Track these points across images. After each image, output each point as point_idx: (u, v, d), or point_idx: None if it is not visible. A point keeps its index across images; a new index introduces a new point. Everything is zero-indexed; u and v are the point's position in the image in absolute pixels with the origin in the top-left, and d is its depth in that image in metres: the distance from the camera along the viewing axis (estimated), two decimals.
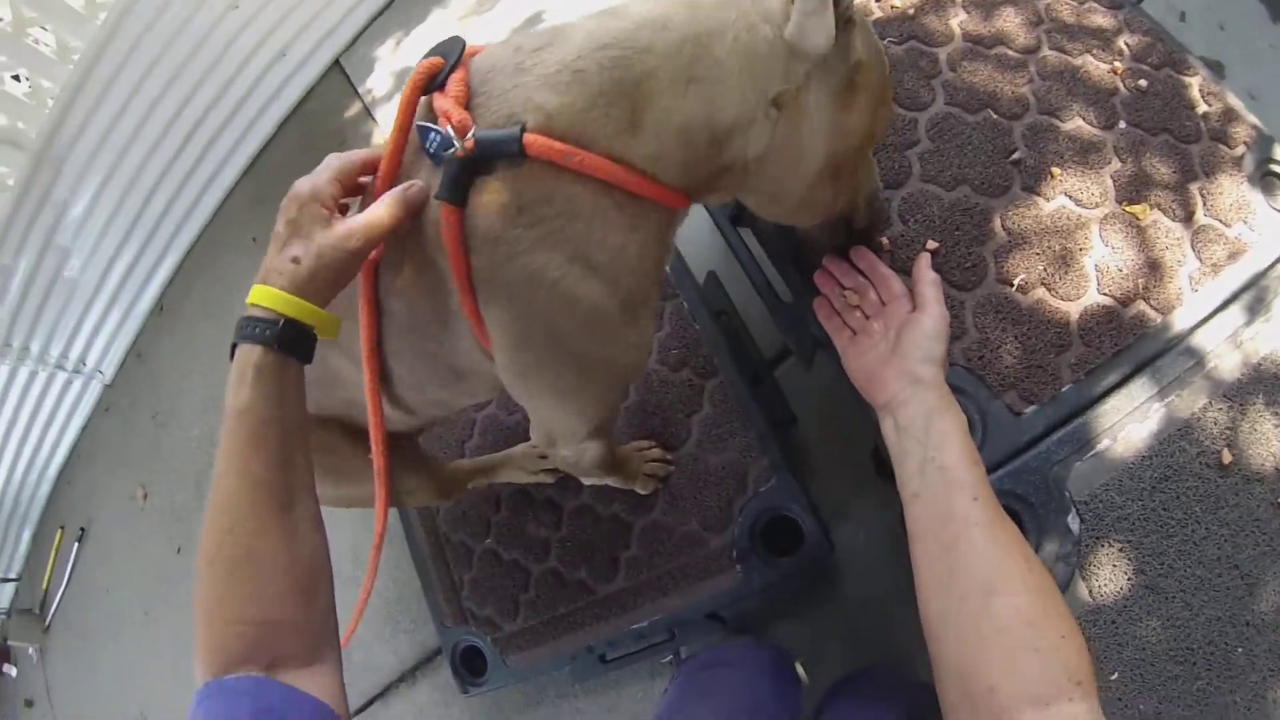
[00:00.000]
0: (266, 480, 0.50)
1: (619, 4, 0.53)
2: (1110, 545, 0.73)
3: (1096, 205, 0.83)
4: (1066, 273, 0.79)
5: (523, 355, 0.58)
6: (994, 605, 0.51)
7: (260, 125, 2.19)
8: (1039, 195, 0.84)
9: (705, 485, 0.91)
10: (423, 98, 0.53)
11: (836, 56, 0.52)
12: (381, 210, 0.52)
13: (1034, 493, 0.72)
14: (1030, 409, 0.76)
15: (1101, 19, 0.97)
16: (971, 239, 0.82)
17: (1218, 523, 0.75)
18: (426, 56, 0.54)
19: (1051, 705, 0.47)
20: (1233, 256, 0.83)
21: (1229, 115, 0.92)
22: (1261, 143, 0.90)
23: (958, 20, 0.96)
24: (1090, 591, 0.72)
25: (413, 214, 0.53)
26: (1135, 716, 0.70)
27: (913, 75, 0.92)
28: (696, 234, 1.07)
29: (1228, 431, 0.78)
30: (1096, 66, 0.92)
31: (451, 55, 0.53)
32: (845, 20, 0.51)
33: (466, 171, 0.50)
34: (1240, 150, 0.89)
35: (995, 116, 0.88)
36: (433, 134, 0.50)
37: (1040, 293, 0.79)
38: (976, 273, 0.80)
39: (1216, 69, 1.44)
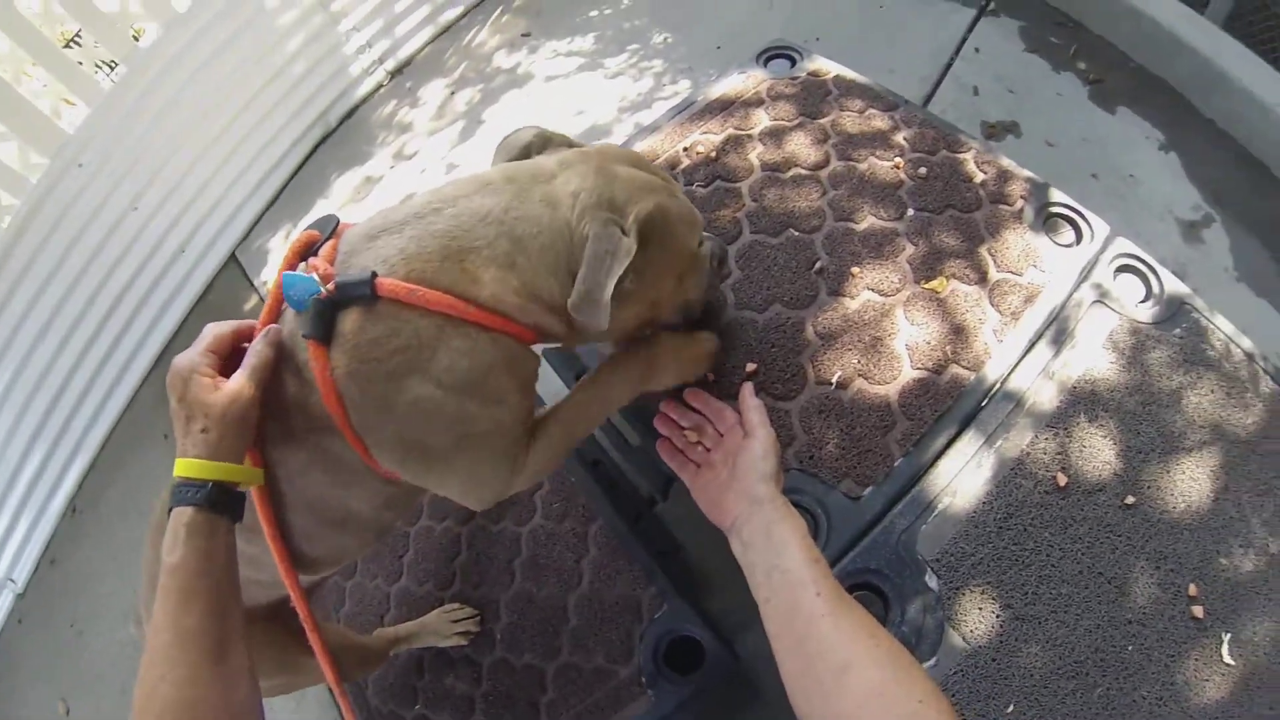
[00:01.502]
0: (199, 632, 0.55)
1: (452, 192, 0.67)
2: (972, 591, 0.80)
3: (898, 291, 0.96)
4: (879, 359, 0.91)
5: (413, 465, 0.66)
6: (848, 683, 0.56)
7: (165, 320, 2.33)
8: (844, 296, 0.96)
9: (604, 621, 0.99)
10: (301, 263, 0.65)
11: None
12: (253, 359, 0.61)
13: (887, 565, 0.80)
14: (867, 490, 0.84)
15: (880, 122, 1.15)
16: (788, 351, 0.93)
17: (1070, 540, 0.83)
18: (305, 230, 0.68)
19: None
20: (1029, 300, 0.96)
21: (1004, 176, 1.08)
22: (1037, 191, 1.06)
23: (756, 153, 1.12)
24: (964, 637, 0.79)
25: (277, 350, 0.63)
26: None
27: (720, 213, 1.06)
28: (560, 392, 1.17)
29: (1059, 457, 0.87)
30: (880, 166, 1.09)
31: (326, 229, 0.68)
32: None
33: (329, 311, 0.61)
34: (1019, 204, 1.05)
35: (796, 234, 1.02)
36: (299, 284, 0.62)
37: (859, 383, 0.90)
38: (797, 381, 0.91)
39: (1013, 129, 1.67)
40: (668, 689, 0.89)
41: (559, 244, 0.65)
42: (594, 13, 2.47)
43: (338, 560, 0.80)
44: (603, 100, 2.14)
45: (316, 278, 0.61)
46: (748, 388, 0.86)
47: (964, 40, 1.84)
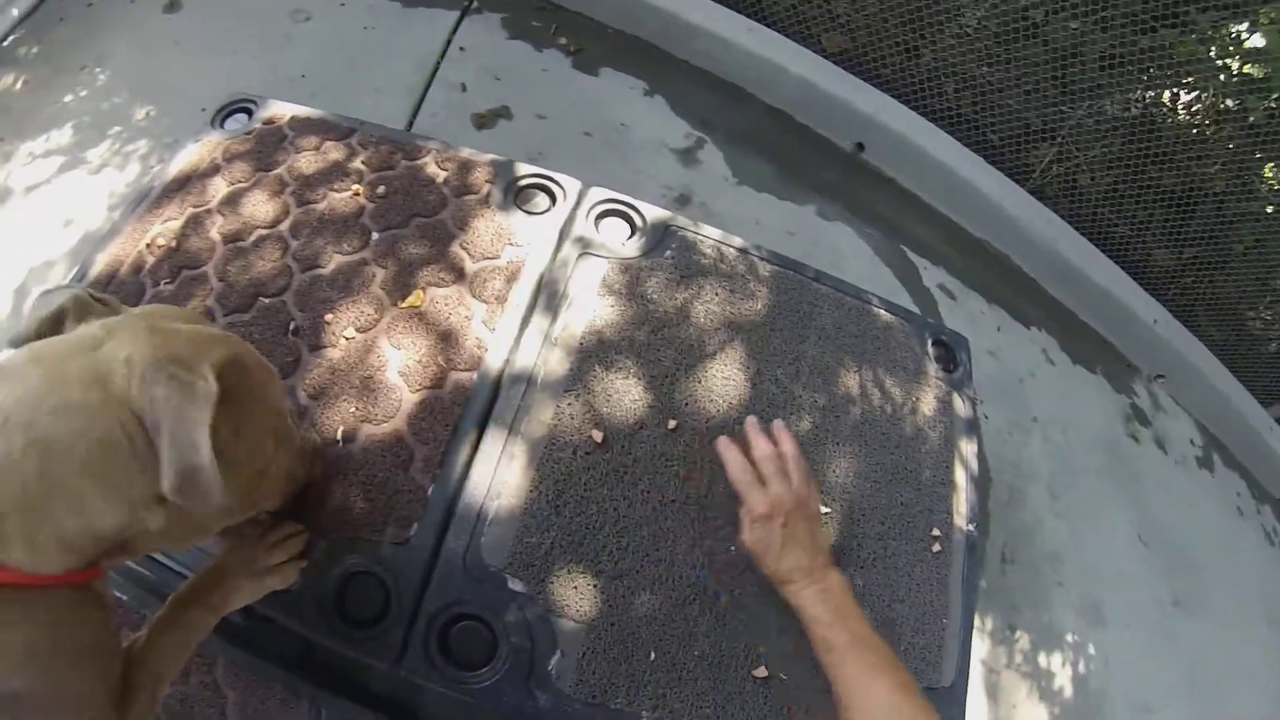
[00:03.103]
0: None
1: None
2: (558, 575, 0.83)
3: (377, 322, 0.96)
4: (376, 397, 0.91)
5: None
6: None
7: None
8: (325, 347, 0.94)
9: None
10: None
11: None
12: None
13: (467, 591, 0.80)
14: (413, 529, 0.83)
15: (336, 153, 1.14)
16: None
17: (629, 485, 0.89)
18: None
19: None
20: (512, 279, 1.00)
21: (466, 168, 1.12)
22: (502, 171, 1.12)
23: (216, 228, 1.04)
24: (573, 619, 0.82)
25: None
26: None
27: (191, 305, 0.96)
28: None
29: (589, 415, 0.92)
30: (338, 199, 1.08)
31: None
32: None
33: None
34: (486, 190, 1.10)
35: (266, 301, 0.97)
36: None
37: (365, 429, 0.89)
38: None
39: (504, 113, 1.79)
40: None
41: (119, 431, 0.51)
42: (69, 97, 2.10)
43: None
44: (91, 200, 1.85)
45: None
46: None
47: (449, 43, 1.91)
